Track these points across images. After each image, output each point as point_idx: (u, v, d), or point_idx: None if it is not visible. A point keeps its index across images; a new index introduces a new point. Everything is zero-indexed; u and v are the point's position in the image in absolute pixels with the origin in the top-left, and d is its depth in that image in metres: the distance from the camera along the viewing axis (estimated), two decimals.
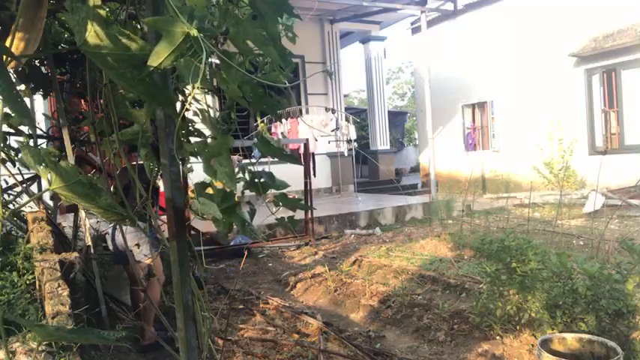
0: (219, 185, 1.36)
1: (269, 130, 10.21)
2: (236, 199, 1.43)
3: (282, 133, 10.35)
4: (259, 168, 1.61)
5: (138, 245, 3.45)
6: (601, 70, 10.46)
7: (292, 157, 1.60)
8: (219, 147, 1.24)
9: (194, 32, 0.80)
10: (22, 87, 2.79)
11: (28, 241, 3.13)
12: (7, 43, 1.18)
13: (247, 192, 1.59)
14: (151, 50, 0.84)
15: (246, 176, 1.52)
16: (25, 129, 3.19)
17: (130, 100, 1.54)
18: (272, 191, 1.59)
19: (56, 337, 1.11)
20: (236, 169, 1.44)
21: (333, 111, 10.86)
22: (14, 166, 3.25)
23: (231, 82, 1.27)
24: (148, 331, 3.50)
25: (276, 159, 1.65)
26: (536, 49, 11.40)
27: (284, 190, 1.58)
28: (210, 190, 1.38)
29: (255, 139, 1.59)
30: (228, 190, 1.32)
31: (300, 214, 7.24)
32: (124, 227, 3.41)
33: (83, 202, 1.01)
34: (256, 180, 1.48)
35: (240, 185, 1.49)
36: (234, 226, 1.44)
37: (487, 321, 3.48)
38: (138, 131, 1.44)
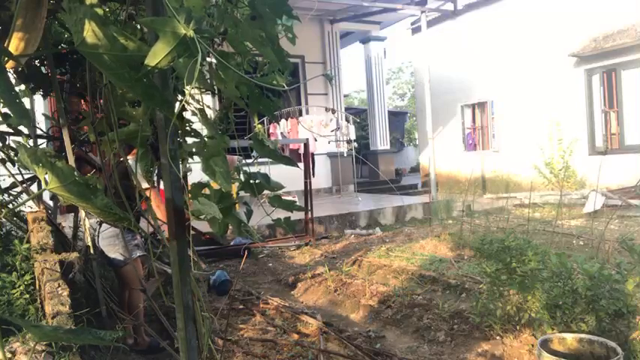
0: (215, 186, 1.37)
1: (267, 130, 10.21)
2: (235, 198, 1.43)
3: (281, 133, 10.36)
4: (260, 168, 1.61)
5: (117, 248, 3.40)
6: (601, 70, 10.45)
7: (286, 159, 1.60)
8: (217, 147, 1.24)
9: (190, 33, 0.80)
10: (22, 87, 2.79)
11: (28, 241, 3.13)
12: (6, 43, 1.18)
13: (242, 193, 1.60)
14: (149, 51, 0.84)
15: (242, 177, 1.52)
16: (25, 129, 3.20)
17: (130, 100, 1.54)
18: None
19: (52, 337, 1.11)
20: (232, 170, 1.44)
21: (333, 111, 10.85)
22: (14, 166, 3.25)
23: (228, 83, 1.27)
24: (140, 337, 3.50)
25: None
26: (536, 49, 11.40)
27: (283, 190, 1.58)
28: (206, 191, 1.38)
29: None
30: (224, 191, 1.33)
31: (299, 215, 7.24)
32: (102, 230, 3.40)
33: (79, 202, 1.01)
34: (251, 181, 1.49)
35: (235, 186, 1.50)
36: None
37: (487, 321, 3.47)
38: (133, 130, 1.44)
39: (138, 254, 3.43)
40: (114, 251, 3.38)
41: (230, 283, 5.03)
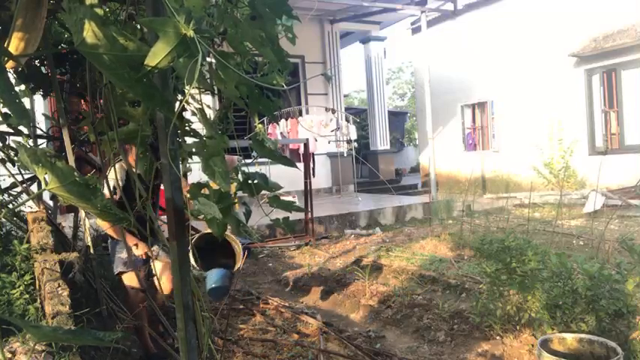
0: (214, 186, 1.37)
1: (266, 130, 10.21)
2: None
3: (281, 133, 10.35)
4: (260, 168, 1.61)
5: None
6: (601, 70, 10.45)
7: (285, 159, 1.60)
8: (216, 147, 1.24)
9: (190, 33, 0.80)
10: (22, 87, 2.79)
11: (28, 241, 3.13)
12: (6, 43, 1.18)
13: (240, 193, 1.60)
14: (149, 51, 0.84)
15: (240, 177, 1.52)
16: (25, 129, 3.20)
17: (130, 100, 1.54)
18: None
19: (51, 337, 1.11)
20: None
21: (333, 111, 10.85)
22: (14, 166, 3.25)
23: (228, 83, 1.27)
24: (148, 344, 3.42)
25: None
26: (536, 49, 11.40)
27: (282, 190, 1.58)
28: (205, 191, 1.38)
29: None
30: (223, 191, 1.32)
31: (299, 215, 7.23)
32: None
33: (79, 202, 1.01)
34: (250, 181, 1.48)
35: (234, 186, 1.50)
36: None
37: (487, 321, 3.47)
38: (133, 130, 1.44)
39: (119, 270, 3.25)
40: (114, 260, 3.29)
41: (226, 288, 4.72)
